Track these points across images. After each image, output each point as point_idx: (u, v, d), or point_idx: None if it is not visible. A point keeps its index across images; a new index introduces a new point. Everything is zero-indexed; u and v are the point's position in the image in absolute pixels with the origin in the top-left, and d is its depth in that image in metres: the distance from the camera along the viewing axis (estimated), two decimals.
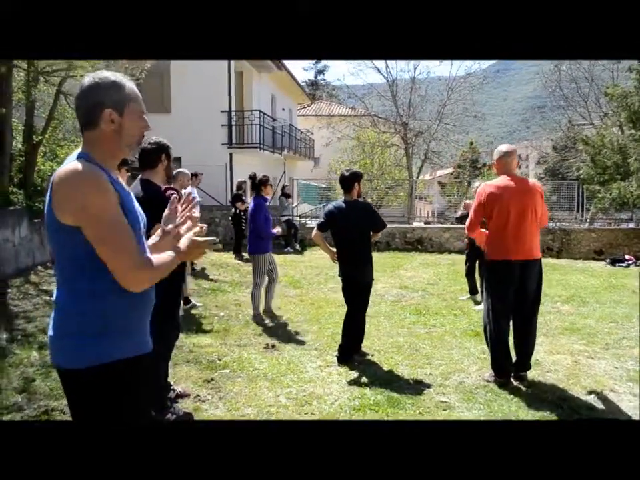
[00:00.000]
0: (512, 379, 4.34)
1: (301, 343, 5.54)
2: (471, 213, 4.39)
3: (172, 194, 5.87)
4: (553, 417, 3.68)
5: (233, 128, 16.83)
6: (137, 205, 1.88)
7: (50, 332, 1.79)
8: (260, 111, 16.99)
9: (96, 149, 1.79)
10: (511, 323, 4.39)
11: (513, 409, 3.83)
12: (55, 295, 1.81)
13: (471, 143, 40.38)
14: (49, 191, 1.73)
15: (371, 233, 5.01)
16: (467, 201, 8.22)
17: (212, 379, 4.37)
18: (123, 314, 1.79)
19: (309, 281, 9.39)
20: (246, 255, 11.51)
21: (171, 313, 3.64)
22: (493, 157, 4.55)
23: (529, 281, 4.24)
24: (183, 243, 1.93)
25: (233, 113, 16.82)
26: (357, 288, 4.99)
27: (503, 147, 4.43)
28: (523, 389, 4.24)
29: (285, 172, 20.40)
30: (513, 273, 4.20)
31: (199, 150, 15.02)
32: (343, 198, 4.99)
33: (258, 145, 16.74)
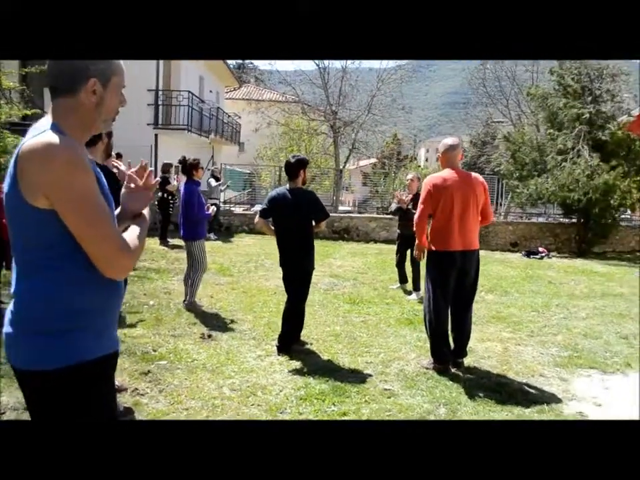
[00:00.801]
0: (450, 366, 4.46)
1: (238, 332, 5.43)
2: (420, 204, 4.46)
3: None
4: (492, 402, 3.82)
5: (160, 108, 16.25)
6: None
7: (7, 329, 1.57)
8: (189, 92, 16.50)
9: (69, 119, 1.58)
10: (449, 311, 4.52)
11: (454, 394, 3.95)
12: (14, 287, 1.59)
13: (395, 135, 41.26)
14: (11, 168, 1.51)
15: (314, 223, 4.94)
16: (399, 193, 8.33)
17: (149, 371, 4.19)
18: (99, 308, 1.62)
19: (238, 268, 9.25)
20: (172, 241, 11.23)
21: None
22: (438, 150, 4.64)
23: (468, 270, 4.39)
24: (137, 207, 1.81)
25: (160, 93, 16.23)
26: (297, 277, 4.93)
27: (448, 141, 4.54)
28: (461, 375, 4.38)
29: (213, 156, 19.95)
30: (454, 262, 4.32)
31: (122, 129, 14.26)
32: (287, 185, 4.89)
33: (185, 126, 16.27)
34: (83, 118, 1.62)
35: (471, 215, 4.34)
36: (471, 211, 4.34)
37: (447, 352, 4.45)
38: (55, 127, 1.53)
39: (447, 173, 4.37)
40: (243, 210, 16.65)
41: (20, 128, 12.92)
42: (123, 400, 3.64)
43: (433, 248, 4.44)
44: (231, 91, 30.46)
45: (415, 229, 4.63)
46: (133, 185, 1.85)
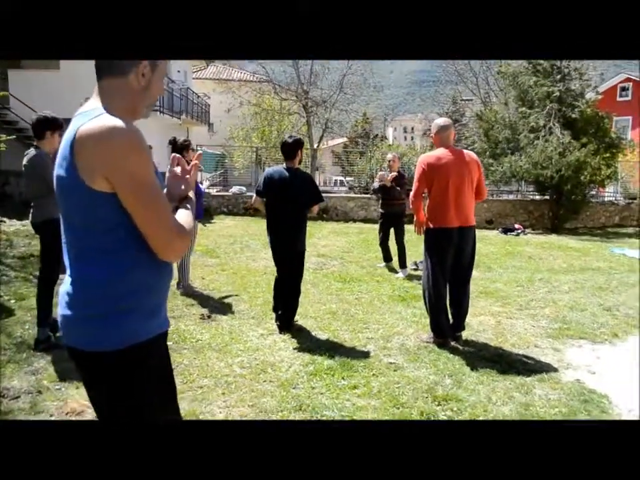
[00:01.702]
0: (449, 340, 4.61)
1: (237, 312, 5.48)
2: (415, 182, 4.56)
3: None
4: (494, 372, 3.98)
5: None
6: None
7: (64, 311, 1.59)
8: None
9: (116, 101, 1.57)
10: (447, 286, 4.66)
11: (457, 366, 4.10)
12: (69, 271, 1.61)
13: (364, 114, 41.25)
14: (65, 151, 1.50)
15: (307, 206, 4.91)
16: (381, 172, 8.43)
17: None
18: (152, 289, 1.64)
19: (224, 250, 9.25)
20: None
21: None
22: (431, 130, 4.73)
23: (465, 246, 4.54)
24: (184, 191, 1.83)
25: None
26: (290, 257, 4.95)
27: (440, 121, 4.65)
28: (461, 347, 4.53)
29: (187, 137, 19.64)
30: (452, 239, 4.46)
31: None
32: (284, 164, 4.90)
33: (158, 108, 15.97)
34: (130, 101, 1.61)
35: (467, 192, 4.47)
36: (466, 188, 4.46)
37: (446, 326, 4.59)
38: (107, 109, 1.52)
39: (441, 152, 4.48)
40: (217, 191, 16.53)
41: None
42: None
43: (431, 225, 4.54)
44: (198, 70, 29.96)
45: (411, 206, 4.72)
46: (179, 170, 1.86)
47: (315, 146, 22.55)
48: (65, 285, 1.63)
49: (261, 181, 5.00)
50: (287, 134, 21.84)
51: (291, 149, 4.82)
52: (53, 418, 3.21)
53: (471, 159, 4.56)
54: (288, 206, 4.80)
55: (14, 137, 12.53)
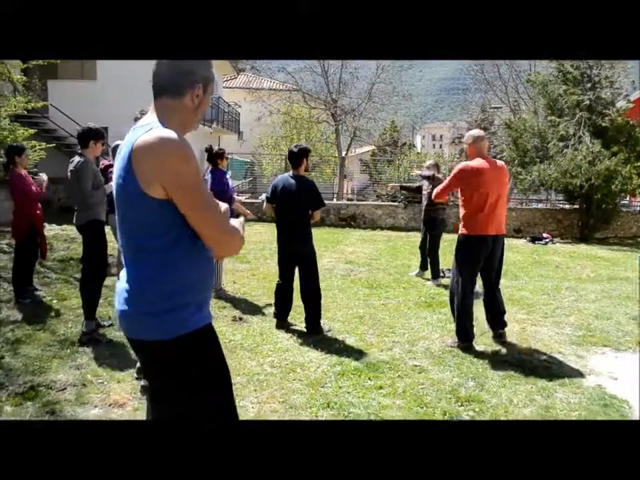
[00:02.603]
0: (489, 338, 4.86)
1: (267, 315, 5.68)
2: (448, 182, 4.80)
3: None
4: (516, 376, 4.09)
5: None
6: None
7: (123, 306, 1.78)
8: None
9: (172, 119, 1.74)
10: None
11: (480, 369, 4.22)
12: (127, 270, 1.79)
13: (393, 122, 41.36)
14: (124, 162, 1.68)
15: (310, 211, 5.13)
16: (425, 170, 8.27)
17: None
18: (200, 285, 1.82)
19: (254, 255, 9.49)
20: None
21: None
22: (465, 141, 4.89)
23: (497, 252, 4.73)
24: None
25: None
26: (295, 260, 5.17)
27: (474, 132, 4.82)
28: (486, 351, 4.64)
29: (218, 145, 20.04)
30: (487, 247, 4.62)
31: (128, 120, 14.48)
32: (291, 172, 5.14)
33: None
34: (184, 118, 1.80)
35: (501, 202, 4.68)
36: (502, 198, 4.68)
37: (471, 331, 4.72)
38: (163, 125, 1.69)
39: (480, 162, 4.64)
40: (245, 199, 16.82)
41: (26, 120, 13.10)
42: None
43: (468, 232, 4.70)
44: (228, 79, 30.47)
45: (433, 196, 5.04)
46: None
47: (344, 154, 22.78)
48: (121, 283, 1.81)
49: (270, 189, 5.26)
50: (316, 142, 22.05)
51: (296, 157, 5.08)
52: (97, 409, 3.44)
53: (504, 170, 4.79)
54: (292, 211, 5.07)
55: (53, 145, 13.05)
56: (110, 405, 3.48)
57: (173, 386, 1.82)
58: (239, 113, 26.88)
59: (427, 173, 7.79)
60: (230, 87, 29.74)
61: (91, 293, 4.76)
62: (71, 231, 10.67)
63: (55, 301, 5.93)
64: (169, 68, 1.77)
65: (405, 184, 8.83)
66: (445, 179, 7.83)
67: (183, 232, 1.73)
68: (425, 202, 7.81)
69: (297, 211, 5.06)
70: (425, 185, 7.80)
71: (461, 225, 4.77)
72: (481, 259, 4.66)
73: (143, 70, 12.72)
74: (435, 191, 4.95)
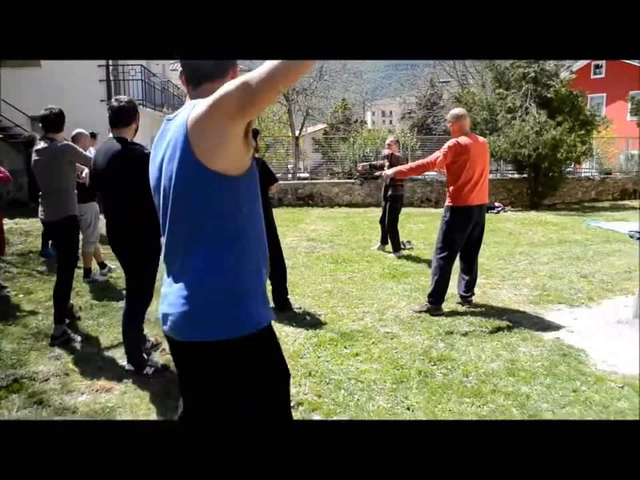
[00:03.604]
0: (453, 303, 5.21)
1: None
2: (442, 156, 4.94)
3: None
4: (482, 335, 4.36)
5: (112, 83, 15.97)
6: None
7: (183, 308, 1.58)
8: (142, 66, 16.25)
9: None
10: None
11: (448, 332, 4.47)
12: (182, 265, 1.61)
13: (344, 99, 41.41)
14: (178, 145, 1.54)
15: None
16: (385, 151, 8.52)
17: None
18: (263, 279, 1.69)
19: None
20: None
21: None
22: (448, 119, 5.10)
23: (480, 221, 5.06)
24: None
25: (111, 67, 15.92)
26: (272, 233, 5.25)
27: (456, 111, 5.12)
28: (452, 314, 4.90)
29: None
30: (474, 216, 4.95)
31: (75, 107, 14.03)
32: None
33: (141, 101, 16.06)
34: None
35: (485, 174, 5.01)
36: (485, 171, 5.01)
37: (444, 295, 5.06)
38: None
39: (466, 140, 4.91)
40: None
41: None
42: (157, 359, 3.99)
43: (455, 204, 4.95)
44: (176, 62, 29.80)
45: (419, 165, 5.22)
46: None
47: (297, 133, 22.78)
48: (173, 284, 1.63)
49: None
50: (269, 122, 21.83)
51: None
52: (84, 396, 3.50)
53: (486, 144, 5.12)
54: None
55: (0, 136, 12.62)
56: (97, 391, 3.55)
57: (256, 389, 1.64)
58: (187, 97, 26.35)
59: (386, 152, 8.02)
60: (178, 69, 29.11)
61: (63, 297, 4.48)
62: (24, 224, 10.46)
63: (21, 295, 5.86)
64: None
65: (373, 162, 9.03)
66: (401, 156, 8.13)
67: (250, 216, 1.62)
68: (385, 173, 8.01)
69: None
70: (386, 163, 8.01)
71: (448, 197, 5.02)
72: (467, 229, 4.96)
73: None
74: (427, 162, 5.11)
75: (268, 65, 1.46)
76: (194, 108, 1.54)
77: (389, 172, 5.55)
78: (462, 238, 5.00)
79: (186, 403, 1.83)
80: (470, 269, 5.22)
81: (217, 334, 1.55)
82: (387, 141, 8.43)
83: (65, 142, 4.45)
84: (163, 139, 1.67)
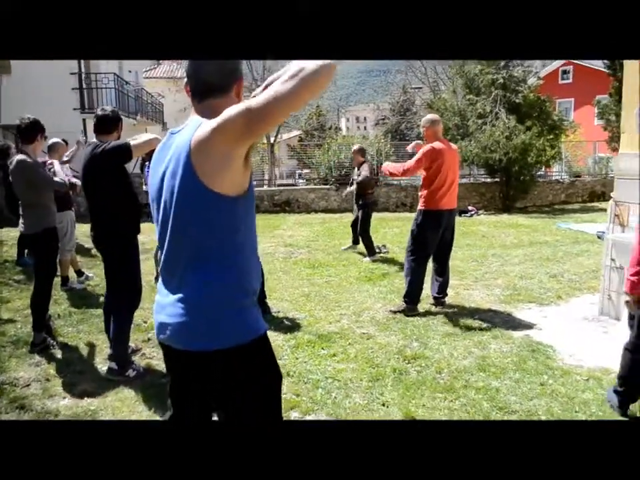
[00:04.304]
0: (427, 305, 5.34)
1: None
2: (415, 163, 5.13)
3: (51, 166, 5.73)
4: (455, 334, 4.51)
5: (85, 92, 15.89)
6: None
7: (182, 318, 1.63)
8: (115, 74, 16.21)
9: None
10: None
11: (422, 331, 4.61)
12: (182, 278, 1.65)
13: (318, 106, 41.68)
14: (180, 162, 1.57)
15: None
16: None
17: (149, 339, 4.57)
18: (256, 290, 1.74)
19: None
20: None
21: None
22: (421, 125, 5.26)
23: (450, 225, 5.22)
24: None
25: (84, 76, 15.84)
26: None
27: (430, 116, 5.31)
28: (426, 315, 5.04)
29: None
30: (443, 220, 5.10)
31: (47, 116, 13.89)
32: None
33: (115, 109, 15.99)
34: None
35: (455, 179, 5.17)
36: (456, 176, 5.18)
37: (419, 296, 5.22)
38: None
39: (440, 145, 5.09)
40: None
41: None
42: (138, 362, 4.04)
43: (428, 208, 5.11)
44: (149, 69, 29.71)
45: (398, 171, 5.36)
46: None
47: (272, 140, 22.87)
48: (172, 295, 1.68)
49: None
50: None
51: None
52: (66, 400, 3.54)
53: (456, 151, 5.31)
54: None
55: None
56: (79, 395, 3.59)
57: (253, 394, 1.72)
58: (163, 104, 26.35)
59: (363, 177, 8.13)
60: (151, 77, 29.04)
61: (41, 306, 4.49)
62: None
63: None
64: (214, 68, 1.71)
65: (351, 185, 8.90)
66: (366, 165, 8.28)
67: (248, 236, 1.67)
68: (355, 185, 8.28)
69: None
70: (355, 170, 8.25)
71: (420, 201, 5.18)
72: (438, 231, 5.12)
73: (60, 62, 12.20)
74: (403, 168, 5.28)
75: (272, 90, 1.49)
76: (198, 128, 1.57)
77: (389, 167, 5.58)
78: (433, 241, 5.16)
79: (177, 408, 1.90)
80: (443, 271, 5.38)
81: (216, 343, 1.61)
82: (354, 148, 8.66)
83: (23, 161, 4.27)
84: (165, 151, 1.70)
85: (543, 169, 17.07)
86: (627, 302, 2.96)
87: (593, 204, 16.55)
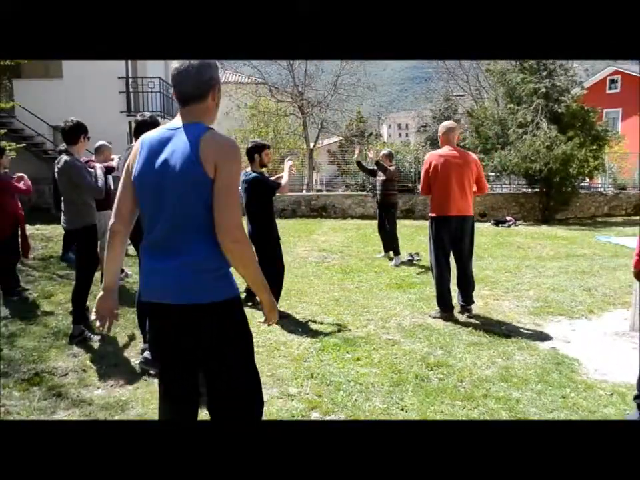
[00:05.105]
0: (455, 313, 5.32)
1: (243, 301, 5.99)
2: (422, 178, 5.32)
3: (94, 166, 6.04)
4: (480, 344, 4.52)
5: (131, 95, 16.42)
6: None
7: (183, 278, 2.00)
8: (160, 78, 16.68)
9: (204, 120, 2.06)
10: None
11: (447, 340, 4.64)
12: (183, 246, 2.01)
13: (359, 112, 41.73)
14: (187, 151, 1.95)
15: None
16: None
17: None
18: None
19: None
20: None
21: None
22: (438, 131, 5.33)
23: (464, 233, 5.20)
24: None
25: (131, 80, 16.37)
26: (269, 242, 5.48)
27: (447, 123, 5.40)
28: (453, 324, 5.07)
29: None
30: (450, 225, 5.11)
31: (95, 118, 14.44)
32: (248, 168, 5.46)
33: (159, 112, 16.46)
34: (210, 117, 2.13)
35: (465, 186, 5.13)
36: (466, 183, 5.13)
37: (451, 301, 5.26)
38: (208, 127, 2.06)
39: (445, 150, 5.18)
40: None
41: None
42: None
43: (433, 214, 5.22)
44: None
45: (423, 195, 5.49)
46: None
47: (312, 146, 23.10)
48: (167, 261, 2.03)
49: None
50: (284, 134, 22.16)
51: (248, 153, 5.44)
52: (100, 390, 3.73)
53: (471, 158, 5.28)
54: (246, 203, 5.45)
55: (23, 145, 13.04)
56: (112, 386, 3.78)
57: (242, 341, 2.14)
58: None
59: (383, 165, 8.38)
60: None
61: (80, 300, 4.75)
62: (45, 230, 10.78)
63: (41, 298, 6.14)
64: (192, 79, 2.03)
65: (362, 162, 9.41)
66: (391, 168, 8.39)
67: None
68: (380, 187, 8.51)
69: (248, 204, 5.39)
70: (380, 173, 8.38)
71: (430, 208, 5.27)
72: (444, 237, 5.15)
73: (109, 66, 12.69)
74: (420, 192, 5.47)
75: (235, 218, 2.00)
76: (208, 131, 2.01)
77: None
78: (442, 247, 5.19)
79: (165, 369, 2.27)
80: (462, 280, 5.37)
81: (212, 297, 2.02)
82: (380, 154, 8.74)
83: (69, 162, 4.58)
84: (162, 144, 2.04)
85: (587, 181, 16.70)
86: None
87: (638, 217, 16.09)
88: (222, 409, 2.18)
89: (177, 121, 2.09)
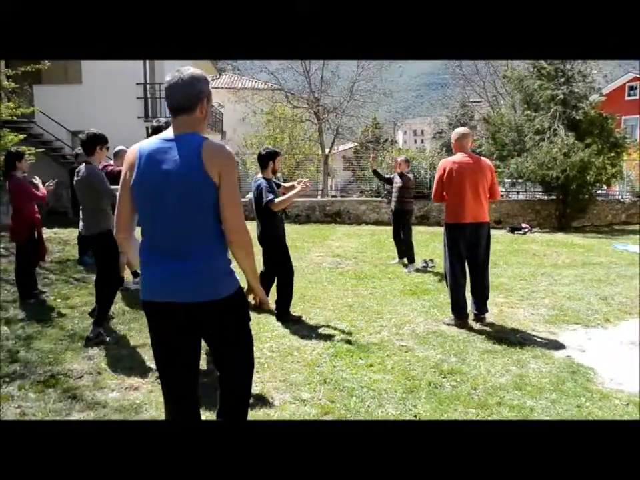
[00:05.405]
0: (469, 320, 5.30)
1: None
2: (435, 184, 5.31)
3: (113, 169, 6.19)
4: (494, 351, 4.49)
5: (149, 101, 16.60)
6: None
7: (195, 277, 2.21)
8: None
9: (196, 130, 2.21)
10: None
11: (461, 347, 4.62)
12: (192, 248, 2.20)
13: (374, 118, 41.73)
14: (192, 158, 2.12)
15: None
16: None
17: None
18: None
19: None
20: None
21: None
22: (452, 138, 5.33)
23: (480, 239, 5.18)
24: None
25: (149, 86, 16.55)
26: (281, 250, 5.52)
27: (460, 130, 5.38)
28: (467, 331, 5.04)
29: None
30: (465, 232, 5.10)
31: (113, 124, 14.66)
32: (260, 174, 5.48)
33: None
34: (199, 127, 2.26)
35: (480, 193, 5.13)
36: (480, 189, 5.12)
37: (465, 308, 5.24)
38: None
39: (459, 157, 5.17)
40: None
41: (13, 126, 13.25)
42: None
43: (448, 221, 5.22)
44: (211, 80, 30.57)
45: (435, 202, 5.58)
46: None
47: (327, 152, 23.15)
48: (175, 262, 2.22)
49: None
50: (299, 140, 22.24)
51: (262, 160, 5.47)
52: (114, 393, 3.77)
53: (485, 164, 5.26)
54: (255, 210, 5.45)
55: (43, 149, 13.22)
56: (126, 389, 3.82)
57: (245, 327, 2.47)
58: (222, 113, 27.12)
59: (399, 170, 8.50)
60: (212, 87, 29.82)
61: (107, 302, 4.92)
62: (62, 233, 10.91)
63: (58, 300, 6.21)
64: (181, 93, 2.17)
65: (378, 170, 9.54)
66: (411, 177, 8.46)
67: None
68: (395, 194, 8.53)
69: (257, 208, 5.40)
70: (397, 179, 8.42)
71: (444, 215, 5.28)
72: (461, 244, 5.14)
73: (127, 72, 12.83)
74: (432, 199, 5.51)
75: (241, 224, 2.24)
76: (208, 140, 2.19)
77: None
78: (457, 254, 5.18)
79: (167, 366, 2.41)
80: (477, 288, 5.34)
81: (224, 293, 2.26)
82: (398, 160, 8.73)
83: (89, 171, 4.77)
84: (162, 153, 2.16)
85: (604, 188, 16.53)
86: None
87: None
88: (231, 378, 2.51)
89: (171, 132, 2.20)
